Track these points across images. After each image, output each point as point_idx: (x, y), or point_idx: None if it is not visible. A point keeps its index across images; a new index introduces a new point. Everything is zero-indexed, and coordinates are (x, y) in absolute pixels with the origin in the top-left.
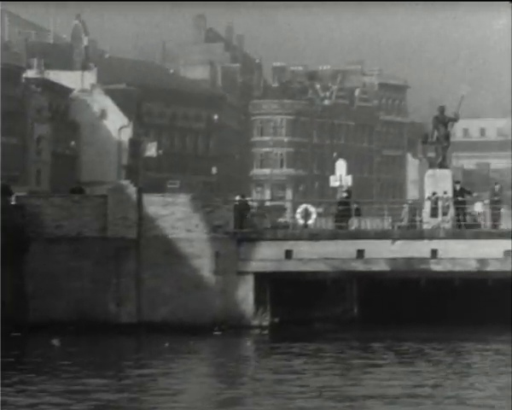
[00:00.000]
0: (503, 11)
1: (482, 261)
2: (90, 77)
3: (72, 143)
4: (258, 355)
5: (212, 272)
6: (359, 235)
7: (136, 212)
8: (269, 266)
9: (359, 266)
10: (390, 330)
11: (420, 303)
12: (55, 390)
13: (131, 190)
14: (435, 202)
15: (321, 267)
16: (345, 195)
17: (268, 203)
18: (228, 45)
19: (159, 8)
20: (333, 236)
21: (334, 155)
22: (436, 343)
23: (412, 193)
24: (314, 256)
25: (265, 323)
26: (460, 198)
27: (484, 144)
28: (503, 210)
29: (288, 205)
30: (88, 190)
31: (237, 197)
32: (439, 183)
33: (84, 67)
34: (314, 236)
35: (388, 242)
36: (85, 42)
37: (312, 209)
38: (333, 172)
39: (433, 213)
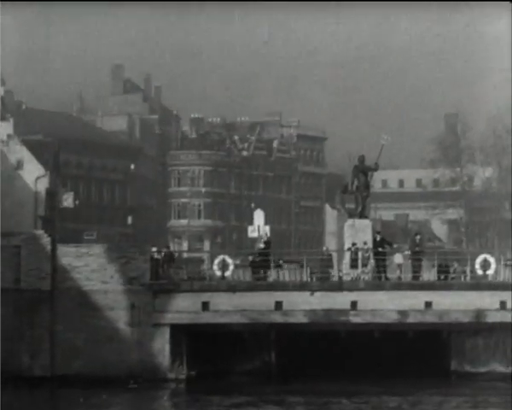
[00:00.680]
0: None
1: (403, 313)
2: (6, 127)
3: None
4: (173, 409)
5: (128, 324)
6: (277, 286)
7: (49, 263)
8: (185, 318)
9: (278, 318)
10: (308, 384)
11: (339, 356)
12: None
13: (45, 240)
14: (355, 253)
15: (238, 319)
16: (262, 246)
17: (185, 255)
18: (146, 96)
19: (77, 59)
20: (250, 287)
21: (252, 205)
22: (356, 397)
23: (330, 244)
24: (231, 308)
25: (182, 376)
26: (380, 249)
27: (402, 195)
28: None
29: (206, 256)
30: (4, 241)
31: (154, 248)
32: (359, 233)
33: (1, 118)
34: (231, 287)
35: (307, 293)
36: (1, 92)
37: (230, 260)
38: (251, 222)
39: (353, 265)
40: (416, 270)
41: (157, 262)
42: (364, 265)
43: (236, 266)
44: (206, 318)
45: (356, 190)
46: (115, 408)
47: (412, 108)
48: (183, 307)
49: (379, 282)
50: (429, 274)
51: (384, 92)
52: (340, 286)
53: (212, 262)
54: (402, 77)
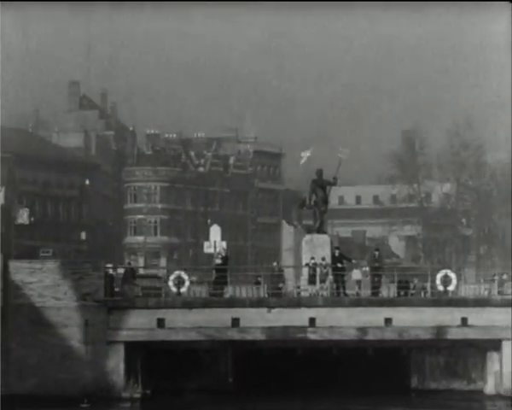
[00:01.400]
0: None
1: (362, 330)
2: None
3: None
4: None
5: (81, 342)
6: (234, 303)
7: (1, 279)
8: (140, 336)
9: (234, 335)
10: (266, 401)
11: (297, 373)
12: None
13: None
14: (313, 269)
15: (194, 336)
16: (219, 262)
17: (141, 271)
18: (102, 113)
19: (32, 75)
20: (207, 304)
21: (209, 221)
22: None
23: (288, 260)
24: (187, 325)
25: (137, 395)
26: (339, 264)
27: (359, 212)
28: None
29: (162, 273)
30: None
31: (109, 265)
32: (317, 248)
33: None
34: (187, 304)
35: (264, 310)
36: None
37: (185, 277)
38: (207, 238)
39: (311, 281)
40: (376, 286)
41: (111, 278)
42: (322, 281)
43: (192, 283)
44: (162, 335)
45: (314, 204)
46: None
47: (369, 124)
48: (138, 324)
49: (338, 298)
50: (388, 291)
51: (341, 106)
52: (298, 303)
53: (168, 279)
54: (359, 91)
